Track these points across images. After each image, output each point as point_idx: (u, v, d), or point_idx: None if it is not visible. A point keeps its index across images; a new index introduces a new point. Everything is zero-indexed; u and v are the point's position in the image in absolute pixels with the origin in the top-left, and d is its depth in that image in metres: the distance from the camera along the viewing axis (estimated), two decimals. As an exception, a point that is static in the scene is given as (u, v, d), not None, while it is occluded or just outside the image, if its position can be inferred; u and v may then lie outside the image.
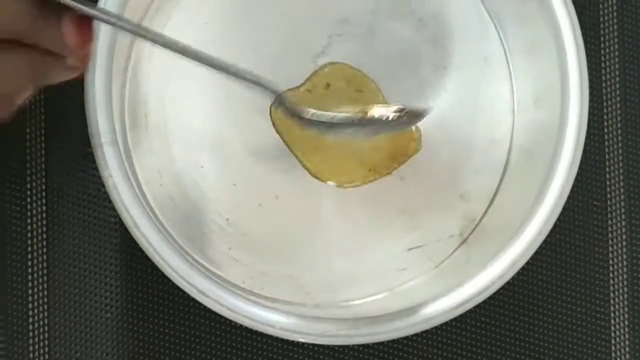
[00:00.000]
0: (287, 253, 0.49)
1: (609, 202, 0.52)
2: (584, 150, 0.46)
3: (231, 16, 0.49)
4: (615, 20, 0.53)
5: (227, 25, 0.49)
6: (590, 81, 0.46)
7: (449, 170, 0.51)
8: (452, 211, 0.50)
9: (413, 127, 0.50)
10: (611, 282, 0.51)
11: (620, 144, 0.52)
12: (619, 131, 0.52)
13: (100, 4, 0.42)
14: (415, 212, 0.50)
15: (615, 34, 0.53)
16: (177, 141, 0.48)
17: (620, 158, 0.52)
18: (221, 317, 0.42)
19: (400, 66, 0.51)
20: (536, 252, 0.45)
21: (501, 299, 0.51)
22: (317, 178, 0.49)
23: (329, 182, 0.49)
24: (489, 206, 0.51)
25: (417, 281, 0.50)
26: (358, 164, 0.50)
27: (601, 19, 0.53)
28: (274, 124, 0.49)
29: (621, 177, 0.52)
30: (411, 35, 0.51)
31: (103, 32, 0.42)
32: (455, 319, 0.45)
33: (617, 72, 0.53)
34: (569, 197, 0.45)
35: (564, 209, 0.45)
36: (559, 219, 0.45)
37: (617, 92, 0.53)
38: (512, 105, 0.51)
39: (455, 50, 0.51)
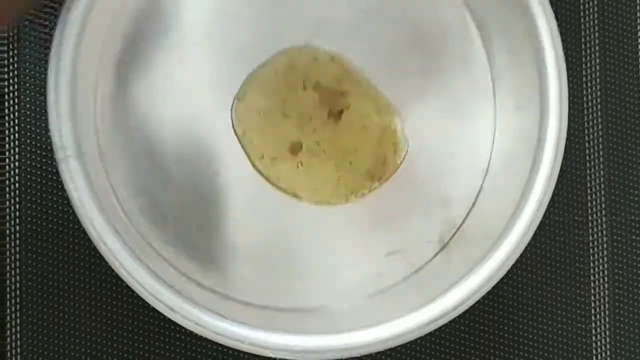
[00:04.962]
0: (263, 258, 0.48)
1: (590, 218, 0.51)
2: (565, 163, 0.46)
3: (208, 17, 0.48)
4: (596, 28, 0.52)
5: (206, 25, 0.48)
6: (572, 89, 0.46)
7: (430, 175, 0.50)
8: (432, 216, 0.50)
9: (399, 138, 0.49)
10: (592, 298, 0.50)
11: (601, 158, 0.51)
12: (600, 146, 0.51)
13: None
14: (395, 216, 0.49)
15: (597, 40, 0.52)
16: (143, 153, 0.47)
17: (602, 173, 0.51)
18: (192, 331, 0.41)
19: (379, 70, 0.50)
20: (517, 267, 0.45)
21: (479, 314, 0.50)
22: (294, 196, 0.48)
23: (305, 201, 0.48)
24: (469, 211, 0.50)
25: (395, 288, 0.49)
26: (335, 180, 0.49)
27: (582, 27, 0.52)
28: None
29: (603, 192, 0.51)
30: (392, 37, 0.50)
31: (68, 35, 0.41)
32: (431, 332, 0.44)
33: (598, 80, 0.51)
34: (550, 212, 0.45)
35: (545, 223, 0.44)
36: (539, 233, 0.45)
37: (599, 100, 0.51)
38: (495, 111, 0.50)
39: (436, 54, 0.50)
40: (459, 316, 0.44)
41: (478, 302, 0.44)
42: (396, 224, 0.49)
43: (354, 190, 0.49)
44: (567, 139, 0.45)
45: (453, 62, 0.50)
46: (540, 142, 0.46)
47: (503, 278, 0.45)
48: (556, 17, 0.45)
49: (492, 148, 0.50)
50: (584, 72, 0.51)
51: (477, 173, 0.50)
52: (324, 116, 0.49)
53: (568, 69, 0.45)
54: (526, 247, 0.45)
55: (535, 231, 0.45)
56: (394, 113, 0.49)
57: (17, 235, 0.47)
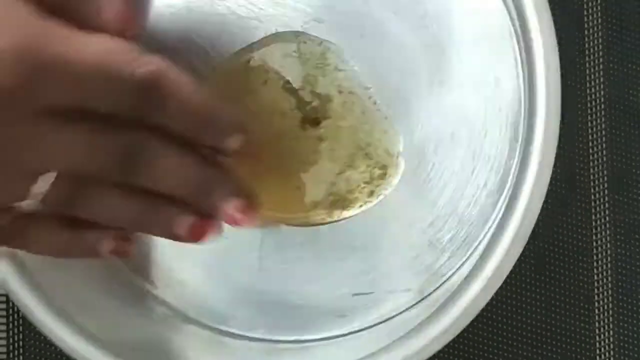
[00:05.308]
0: (214, 286, 0.43)
1: (593, 217, 0.48)
2: (569, 162, 0.43)
3: None
4: (600, 41, 0.48)
5: None
6: (575, 89, 0.43)
7: (422, 210, 0.42)
8: (415, 260, 0.42)
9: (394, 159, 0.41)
10: (596, 298, 0.49)
11: (605, 157, 0.48)
12: (604, 145, 0.48)
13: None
14: (370, 251, 0.42)
15: (601, 36, 0.48)
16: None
17: (605, 172, 0.48)
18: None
19: (386, 74, 0.41)
20: (520, 266, 0.42)
21: (482, 313, 0.41)
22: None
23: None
24: (462, 264, 0.41)
25: (359, 334, 0.42)
26: (293, 197, 0.42)
27: (586, 35, 0.48)
28: None
29: (606, 191, 0.48)
30: (408, 35, 0.41)
31: None
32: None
33: (601, 80, 0.48)
34: (553, 211, 0.43)
35: (548, 222, 0.42)
36: (542, 233, 0.42)
37: (602, 100, 0.48)
38: (519, 144, 0.40)
39: (460, 64, 0.41)
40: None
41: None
42: (371, 261, 0.42)
43: (317, 213, 0.41)
44: (570, 138, 0.43)
45: (479, 79, 0.41)
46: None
47: (506, 278, 0.39)
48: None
49: (507, 191, 0.41)
50: (587, 72, 0.48)
51: (483, 218, 0.41)
52: (296, 121, 0.41)
53: (570, 71, 0.43)
54: (529, 247, 0.39)
55: (538, 230, 0.39)
56: (390, 130, 0.41)
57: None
